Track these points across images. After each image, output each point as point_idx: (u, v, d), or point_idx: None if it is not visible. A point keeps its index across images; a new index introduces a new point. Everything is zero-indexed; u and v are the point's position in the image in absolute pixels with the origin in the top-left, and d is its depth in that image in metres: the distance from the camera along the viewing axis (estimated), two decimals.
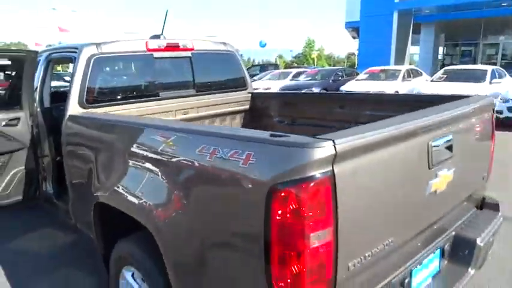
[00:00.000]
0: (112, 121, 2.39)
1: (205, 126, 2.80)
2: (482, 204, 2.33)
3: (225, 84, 3.67)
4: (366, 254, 1.42)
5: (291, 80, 15.08)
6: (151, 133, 1.94)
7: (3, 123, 3.07)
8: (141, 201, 1.81)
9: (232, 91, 3.68)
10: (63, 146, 2.75)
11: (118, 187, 2.02)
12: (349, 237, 1.33)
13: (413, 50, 25.55)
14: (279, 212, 1.26)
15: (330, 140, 1.25)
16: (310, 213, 1.23)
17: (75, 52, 2.79)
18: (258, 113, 3.78)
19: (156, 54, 3.12)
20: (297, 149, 1.27)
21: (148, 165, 1.83)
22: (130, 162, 1.98)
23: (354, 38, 26.12)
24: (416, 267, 1.77)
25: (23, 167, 3.20)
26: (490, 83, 10.33)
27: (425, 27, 20.13)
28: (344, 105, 3.14)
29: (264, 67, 22.11)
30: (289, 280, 1.28)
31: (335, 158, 1.25)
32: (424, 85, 10.80)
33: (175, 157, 1.69)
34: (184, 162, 1.64)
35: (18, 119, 3.15)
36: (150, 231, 1.79)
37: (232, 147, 1.43)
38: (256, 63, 31.94)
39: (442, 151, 1.72)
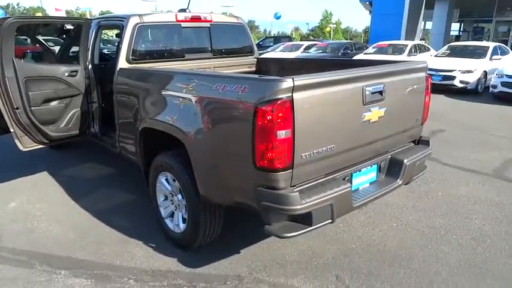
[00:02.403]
0: (154, 71, 3.32)
1: (218, 72, 3.75)
2: (418, 141, 3.21)
3: (236, 50, 4.58)
4: (314, 151, 2.33)
5: (302, 52, 15.76)
6: (181, 78, 2.86)
7: (67, 73, 4.02)
8: (177, 124, 2.73)
9: (241, 56, 4.59)
10: (114, 93, 3.68)
11: (160, 116, 2.95)
12: (301, 138, 2.23)
13: (428, 26, 25.62)
14: (260, 120, 2.17)
15: (291, 78, 2.14)
16: (278, 120, 2.14)
17: (123, 21, 3.70)
18: (262, 74, 4.67)
19: (183, 24, 4.01)
20: (272, 83, 2.16)
21: (180, 99, 2.75)
22: (168, 99, 2.90)
23: (370, 12, 26.28)
24: (356, 172, 2.69)
25: (79, 109, 4.17)
26: (491, 59, 10.90)
27: (439, 2, 20.27)
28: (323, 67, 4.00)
29: (277, 39, 22.71)
30: (266, 162, 2.20)
31: (293, 89, 2.14)
32: (427, 60, 11.41)
33: (198, 92, 2.60)
34: (204, 95, 2.55)
35: (76, 71, 4.10)
36: (182, 145, 2.72)
37: (235, 83, 2.33)
38: (272, 35, 32.24)
39: (374, 94, 2.58)
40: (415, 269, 2.86)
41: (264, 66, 4.66)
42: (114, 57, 5.36)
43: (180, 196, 3.00)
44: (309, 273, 2.84)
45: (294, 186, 2.31)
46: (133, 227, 3.46)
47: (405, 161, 2.88)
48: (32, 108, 3.84)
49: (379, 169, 2.90)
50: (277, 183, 2.24)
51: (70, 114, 4.13)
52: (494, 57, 10.93)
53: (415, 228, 3.43)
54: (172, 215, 3.18)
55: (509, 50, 12.09)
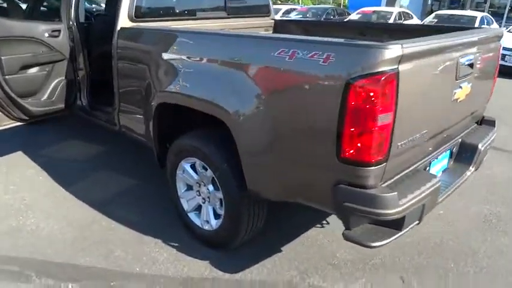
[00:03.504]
0: (176, 31, 2.68)
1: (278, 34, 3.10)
2: (482, 121, 2.81)
3: (251, 10, 3.93)
4: (409, 139, 1.85)
5: (281, 16, 15.00)
6: (220, 41, 2.25)
7: (47, 33, 3.24)
8: (217, 100, 2.14)
9: (257, 16, 3.94)
10: (113, 59, 2.98)
11: (187, 89, 2.34)
12: (401, 123, 1.74)
13: None
14: (354, 99, 1.64)
15: (399, 44, 1.61)
16: (379, 100, 1.62)
17: None
18: None
19: None
20: (371, 50, 1.63)
21: (221, 69, 2.15)
22: (199, 68, 2.29)
23: None
24: (434, 160, 2.25)
25: (64, 78, 3.43)
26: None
27: None
28: (365, 33, 3.47)
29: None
30: (356, 153, 1.70)
31: (401, 59, 1.62)
32: None
33: (251, 60, 2.02)
34: (261, 64, 1.98)
35: (59, 30, 3.32)
36: (222, 125, 2.16)
37: (312, 50, 1.77)
38: None
39: (466, 67, 2.12)
40: (484, 266, 2.53)
41: (282, 30, 4.03)
42: (103, 15, 4.57)
43: (211, 187, 2.46)
44: (369, 275, 2.43)
45: (382, 183, 1.84)
46: (145, 221, 2.88)
47: (480, 145, 2.47)
48: (6, 76, 3.07)
49: (451, 155, 2.48)
50: (366, 180, 1.76)
51: (53, 84, 3.38)
52: (482, 27, 10.79)
53: (465, 216, 3.09)
54: (198, 208, 2.64)
55: (493, 20, 12.01)
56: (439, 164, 2.35)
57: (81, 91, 3.61)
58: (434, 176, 2.01)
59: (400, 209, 1.76)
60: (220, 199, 2.41)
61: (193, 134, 2.48)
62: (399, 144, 1.79)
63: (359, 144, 1.69)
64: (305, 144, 1.87)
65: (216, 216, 2.52)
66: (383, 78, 1.60)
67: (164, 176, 2.80)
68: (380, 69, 1.60)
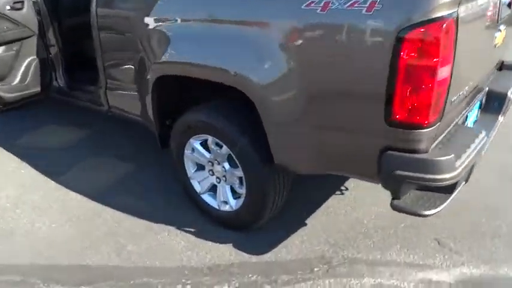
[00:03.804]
0: None
1: None
2: (502, 66, 2.65)
3: None
4: (460, 93, 1.67)
5: None
6: None
7: (8, 6, 2.79)
8: (232, 67, 1.86)
9: None
10: (93, 30, 2.60)
11: (193, 56, 2.03)
12: (456, 76, 1.54)
13: None
14: (408, 53, 1.42)
15: None
16: (438, 52, 1.40)
17: None
18: None
19: None
20: None
21: (238, 28, 1.85)
22: (206, 30, 1.98)
23: None
24: (469, 112, 2.09)
25: (36, 57, 3.01)
26: None
27: None
28: None
29: None
30: (410, 115, 1.50)
31: (461, 0, 1.40)
32: None
33: (274, 16, 1.73)
34: (285, 19, 1.70)
35: (21, 2, 2.87)
36: (238, 97, 1.89)
37: None
38: None
39: (505, 7, 1.92)
40: None
41: None
42: None
43: (227, 165, 2.23)
44: (402, 241, 2.31)
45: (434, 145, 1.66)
46: (151, 208, 2.63)
47: (509, 93, 2.32)
48: None
49: (480, 105, 2.33)
50: (418, 144, 1.57)
51: (24, 65, 2.97)
52: None
53: (491, 170, 2.91)
54: (212, 189, 2.41)
55: None
56: (472, 117, 2.20)
57: (55, 70, 3.22)
58: (480, 131, 1.85)
59: (456, 172, 1.59)
60: (240, 177, 2.19)
61: (202, 108, 2.20)
62: (453, 99, 1.60)
63: (413, 105, 1.48)
64: (346, 109, 1.65)
65: (235, 195, 2.30)
66: (443, 26, 1.37)
67: (165, 157, 2.53)
68: (438, 15, 1.38)
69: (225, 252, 2.25)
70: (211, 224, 2.44)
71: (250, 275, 2.10)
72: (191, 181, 2.45)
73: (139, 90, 2.50)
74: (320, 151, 1.80)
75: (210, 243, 2.33)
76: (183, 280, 2.09)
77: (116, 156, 3.25)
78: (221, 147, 2.18)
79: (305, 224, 2.46)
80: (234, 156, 2.12)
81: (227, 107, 2.10)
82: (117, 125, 3.48)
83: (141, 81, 2.41)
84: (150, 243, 2.35)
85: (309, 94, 1.69)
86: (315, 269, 2.12)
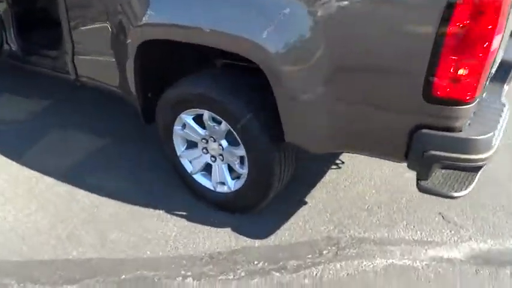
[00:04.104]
0: None
1: None
2: None
3: None
4: (496, 62, 1.52)
5: None
6: None
7: None
8: (245, 33, 1.58)
9: None
10: None
11: (190, 18, 1.73)
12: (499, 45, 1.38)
13: None
14: (460, 19, 1.23)
15: None
16: (495, 19, 1.23)
17: None
18: None
19: None
20: None
21: None
22: None
23: None
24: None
25: None
26: None
27: None
28: None
29: None
30: (453, 89, 1.34)
31: None
32: None
33: None
34: None
35: None
36: (244, 66, 1.65)
37: None
38: None
39: None
40: None
41: None
42: None
43: (224, 143, 2.00)
44: (408, 216, 2.23)
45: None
46: (133, 189, 2.36)
47: None
48: None
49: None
50: (455, 122, 1.43)
51: None
52: None
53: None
54: (206, 168, 2.18)
55: None
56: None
57: (6, 31, 2.75)
58: (504, 104, 1.74)
59: (493, 151, 1.47)
60: (241, 156, 1.97)
61: (198, 79, 1.93)
62: (492, 70, 1.46)
63: (458, 79, 1.32)
64: (378, 83, 1.45)
65: (232, 175, 2.09)
66: None
67: (148, 129, 2.26)
68: None
69: (224, 238, 2.07)
70: (205, 207, 2.23)
71: (256, 262, 1.94)
72: (181, 160, 2.21)
73: (117, 57, 2.15)
74: (340, 128, 1.61)
75: (206, 228, 2.13)
76: (182, 272, 1.89)
77: (86, 129, 2.89)
78: (219, 123, 1.94)
79: (305, 203, 2.31)
80: (235, 134, 1.89)
81: (228, 77, 1.85)
82: (86, 93, 3.08)
83: (119, 46, 2.07)
84: (137, 231, 2.11)
85: (336, 66, 1.47)
86: (324, 252, 2.00)
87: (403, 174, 2.49)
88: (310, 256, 1.97)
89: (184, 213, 2.21)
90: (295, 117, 1.66)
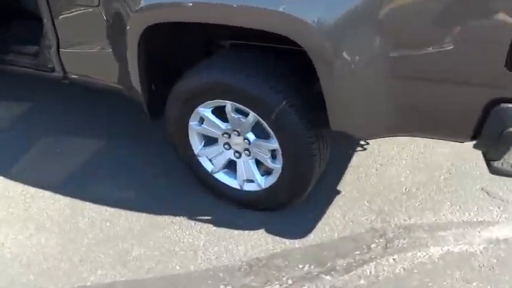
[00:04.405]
0: None
1: None
2: None
3: None
4: None
5: None
6: None
7: None
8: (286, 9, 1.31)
9: None
10: None
11: None
12: None
13: None
14: None
15: None
16: None
17: None
18: None
19: None
20: None
21: None
22: None
23: None
24: None
25: None
26: None
27: None
28: None
29: None
30: None
31: None
32: None
33: None
34: None
35: None
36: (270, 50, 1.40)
37: None
38: None
39: None
40: None
41: None
42: None
43: (251, 136, 1.75)
44: (451, 196, 2.06)
45: None
46: (144, 196, 2.10)
47: None
48: None
49: None
50: None
51: None
52: None
53: None
54: (229, 166, 1.94)
55: None
56: None
57: None
58: None
59: None
60: (272, 150, 1.74)
61: (218, 65, 1.66)
62: None
63: None
64: (449, 54, 1.23)
65: (261, 171, 1.86)
66: None
67: (145, 126, 2.00)
68: None
69: (259, 241, 1.85)
70: (228, 208, 2.00)
71: (300, 266, 1.73)
72: (199, 159, 1.95)
73: (113, 48, 1.85)
74: (397, 109, 1.40)
75: (235, 232, 1.90)
76: (221, 286, 1.67)
77: (81, 129, 2.57)
78: (245, 114, 1.69)
79: (337, 192, 2.11)
80: (265, 125, 1.65)
81: (257, 62, 1.59)
82: (74, 87, 2.74)
83: (116, 35, 1.77)
84: (160, 244, 1.87)
85: (397, 39, 1.24)
86: (372, 246, 1.81)
87: (433, 149, 2.32)
88: (358, 253, 1.78)
89: (207, 217, 1.98)
90: (344, 101, 1.43)
